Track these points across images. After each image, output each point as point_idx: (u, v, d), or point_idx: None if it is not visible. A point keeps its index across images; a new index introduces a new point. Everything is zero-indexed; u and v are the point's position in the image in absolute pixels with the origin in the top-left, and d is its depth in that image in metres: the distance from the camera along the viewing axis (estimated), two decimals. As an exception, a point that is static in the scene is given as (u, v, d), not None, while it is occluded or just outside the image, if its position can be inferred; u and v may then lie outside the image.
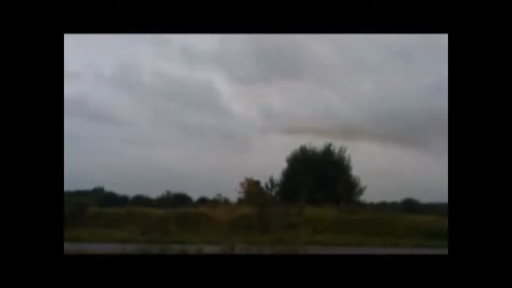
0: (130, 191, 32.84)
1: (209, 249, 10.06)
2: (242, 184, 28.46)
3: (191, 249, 9.89)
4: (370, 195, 31.88)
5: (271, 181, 30.79)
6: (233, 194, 29.00)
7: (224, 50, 54.57)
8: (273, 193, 30.65)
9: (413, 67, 53.55)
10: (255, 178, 29.49)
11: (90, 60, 62.97)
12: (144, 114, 53.59)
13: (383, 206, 28.71)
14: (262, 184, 30.32)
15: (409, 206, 29.59)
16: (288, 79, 57.78)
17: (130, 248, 9.92)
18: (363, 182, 31.01)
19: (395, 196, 39.91)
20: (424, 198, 33.33)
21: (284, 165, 31.79)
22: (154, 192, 32.94)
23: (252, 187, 28.52)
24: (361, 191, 30.84)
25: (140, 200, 30.21)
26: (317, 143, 32.37)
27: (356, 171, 31.50)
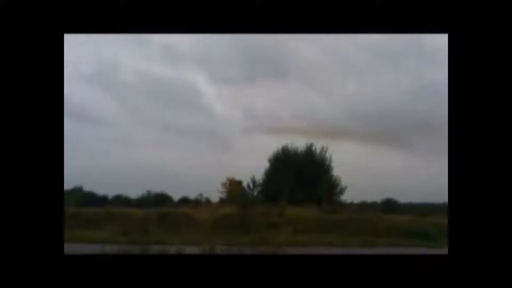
0: (110, 191, 32.43)
1: (190, 249, 9.99)
2: (224, 184, 28.44)
3: (171, 249, 9.81)
4: (351, 195, 32.24)
5: (253, 181, 30.82)
6: (215, 194, 28.96)
7: (207, 50, 54.39)
8: (255, 193, 30.66)
9: (396, 69, 54.38)
10: (237, 178, 29.52)
11: (70, 58, 61.96)
12: (124, 114, 52.99)
13: (363, 206, 29.04)
14: (244, 184, 30.34)
15: (389, 206, 30.07)
16: (272, 79, 57.95)
17: (110, 249, 9.77)
18: (344, 182, 31.35)
19: (375, 196, 40.46)
20: (403, 198, 33.93)
21: (266, 165, 31.88)
22: (135, 192, 32.61)
23: (234, 187, 28.50)
24: (342, 191, 31.15)
25: (120, 200, 29.84)
26: (299, 143, 32.53)
27: (337, 171, 31.81)
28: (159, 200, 29.36)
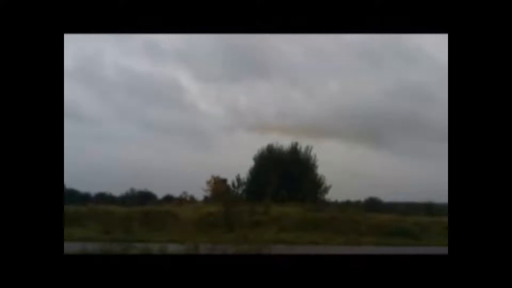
0: (92, 189, 32.05)
1: (173, 248, 9.92)
2: (208, 182, 28.33)
3: (154, 248, 9.72)
4: (335, 194, 32.51)
5: (238, 179, 30.81)
6: (200, 192, 28.83)
7: (190, 47, 54.03)
8: (240, 192, 30.66)
9: (378, 70, 54.94)
10: (222, 176, 29.44)
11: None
12: (107, 110, 52.36)
13: (347, 205, 29.30)
14: (229, 182, 30.30)
15: (372, 205, 30.42)
16: (255, 77, 58.01)
17: (92, 247, 9.63)
18: (328, 181, 31.58)
19: (359, 195, 40.91)
20: (386, 197, 34.37)
21: (250, 163, 31.90)
22: (118, 190, 32.29)
23: (218, 185, 28.41)
24: (326, 190, 31.39)
25: (103, 198, 29.51)
26: (284, 142, 32.67)
27: (321, 170, 32.02)
28: (143, 198, 29.17)
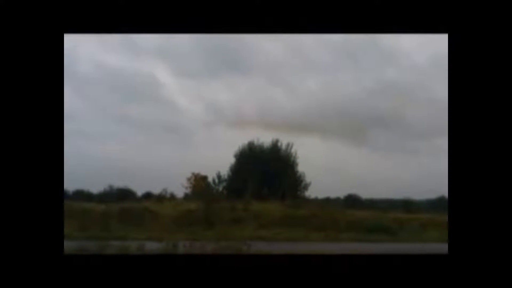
0: (69, 186, 31.38)
1: (151, 245, 9.81)
2: (189, 179, 28.14)
3: (132, 245, 9.60)
4: (314, 190, 32.71)
5: (219, 176, 30.72)
6: (180, 189, 28.60)
7: (168, 42, 53.44)
8: (221, 189, 30.59)
9: (358, 67, 55.50)
10: (203, 173, 29.29)
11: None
12: (83, 106, 51.40)
13: (327, 202, 29.57)
14: (210, 179, 30.18)
15: (352, 201, 30.78)
16: (234, 73, 57.87)
17: (68, 245, 9.44)
18: (308, 178, 31.78)
19: (338, 192, 41.34)
20: (365, 194, 34.84)
21: (231, 160, 31.86)
22: (96, 187, 31.79)
23: (199, 182, 28.26)
24: (306, 187, 31.59)
25: (81, 195, 29.00)
26: (264, 139, 32.68)
27: (301, 167, 32.20)
28: (122, 195, 28.71)
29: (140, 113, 51.86)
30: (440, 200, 34.63)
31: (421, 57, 54.85)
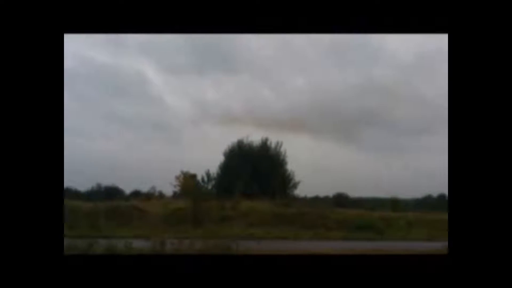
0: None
1: (138, 243, 9.75)
2: (177, 177, 27.98)
3: (119, 243, 9.53)
4: (304, 189, 32.84)
5: (207, 174, 30.60)
6: (169, 187, 28.45)
7: (155, 38, 53.03)
8: (210, 187, 30.48)
9: (347, 66, 55.77)
10: (192, 171, 29.14)
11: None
12: (70, 103, 50.85)
13: (316, 200, 29.69)
14: (199, 178, 30.05)
15: (340, 200, 30.94)
16: (221, 71, 57.66)
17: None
18: (297, 177, 31.86)
19: (327, 190, 41.53)
20: (353, 192, 35.07)
21: (220, 158, 31.77)
22: (84, 185, 31.48)
23: (188, 181, 28.11)
24: (295, 186, 31.63)
25: (68, 193, 28.68)
26: (254, 138, 32.64)
27: (291, 166, 32.26)
28: (110, 193, 28.53)
29: (128, 110, 51.53)
30: (426, 198, 35.02)
31: (409, 56, 55.27)
